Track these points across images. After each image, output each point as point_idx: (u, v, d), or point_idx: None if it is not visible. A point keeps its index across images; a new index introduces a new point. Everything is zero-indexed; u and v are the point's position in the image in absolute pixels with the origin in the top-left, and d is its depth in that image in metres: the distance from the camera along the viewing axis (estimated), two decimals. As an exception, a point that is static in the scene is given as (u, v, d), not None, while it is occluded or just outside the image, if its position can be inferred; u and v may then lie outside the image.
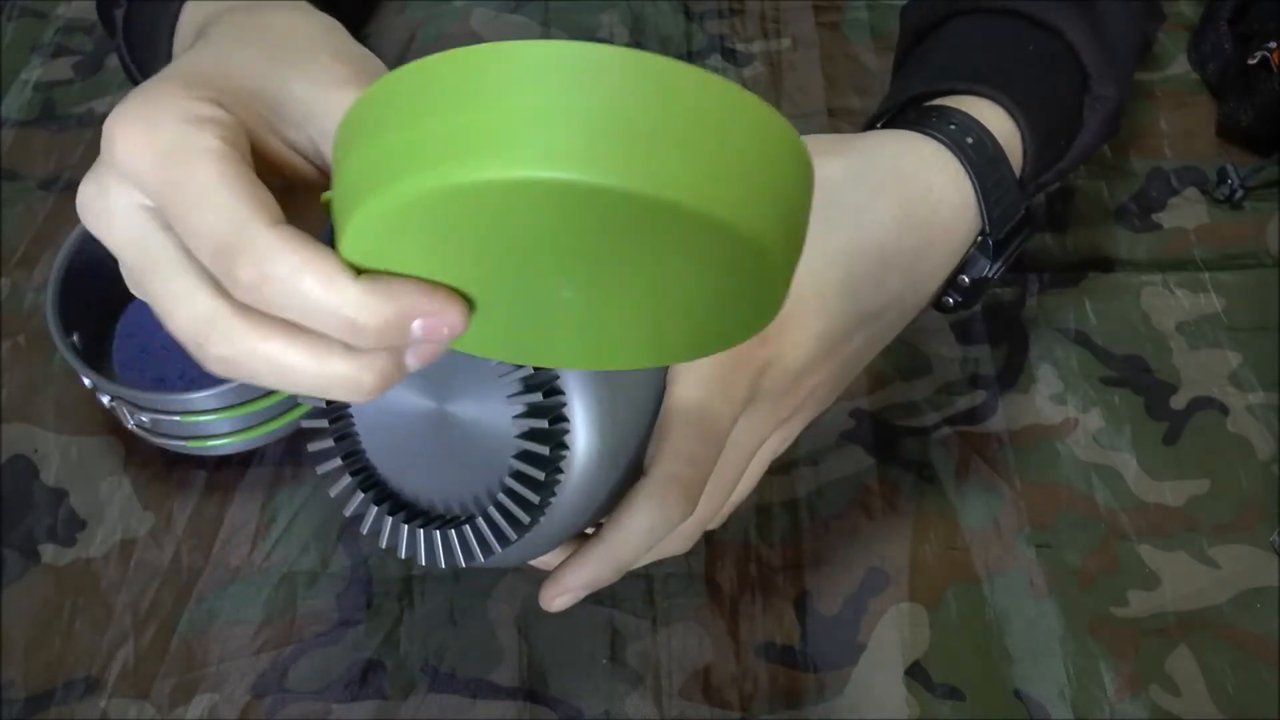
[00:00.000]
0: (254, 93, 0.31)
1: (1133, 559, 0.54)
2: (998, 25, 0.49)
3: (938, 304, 0.47)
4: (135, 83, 0.50)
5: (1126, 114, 0.55)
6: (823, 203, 0.41)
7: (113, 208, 0.30)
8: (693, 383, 0.37)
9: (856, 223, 0.41)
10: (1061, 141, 0.49)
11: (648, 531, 0.37)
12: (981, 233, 0.45)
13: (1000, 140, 0.45)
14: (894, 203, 0.42)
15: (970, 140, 0.44)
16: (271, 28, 0.35)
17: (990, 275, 0.45)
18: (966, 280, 0.46)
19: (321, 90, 0.32)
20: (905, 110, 0.47)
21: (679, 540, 0.40)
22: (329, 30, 0.36)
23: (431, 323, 0.27)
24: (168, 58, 0.44)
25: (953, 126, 0.44)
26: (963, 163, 0.43)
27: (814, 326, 0.40)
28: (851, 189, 0.42)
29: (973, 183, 0.43)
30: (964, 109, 0.45)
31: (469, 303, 0.28)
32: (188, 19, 0.42)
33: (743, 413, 0.39)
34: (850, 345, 0.42)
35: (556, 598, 0.39)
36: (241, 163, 0.29)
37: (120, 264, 0.31)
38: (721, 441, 0.38)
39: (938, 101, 0.46)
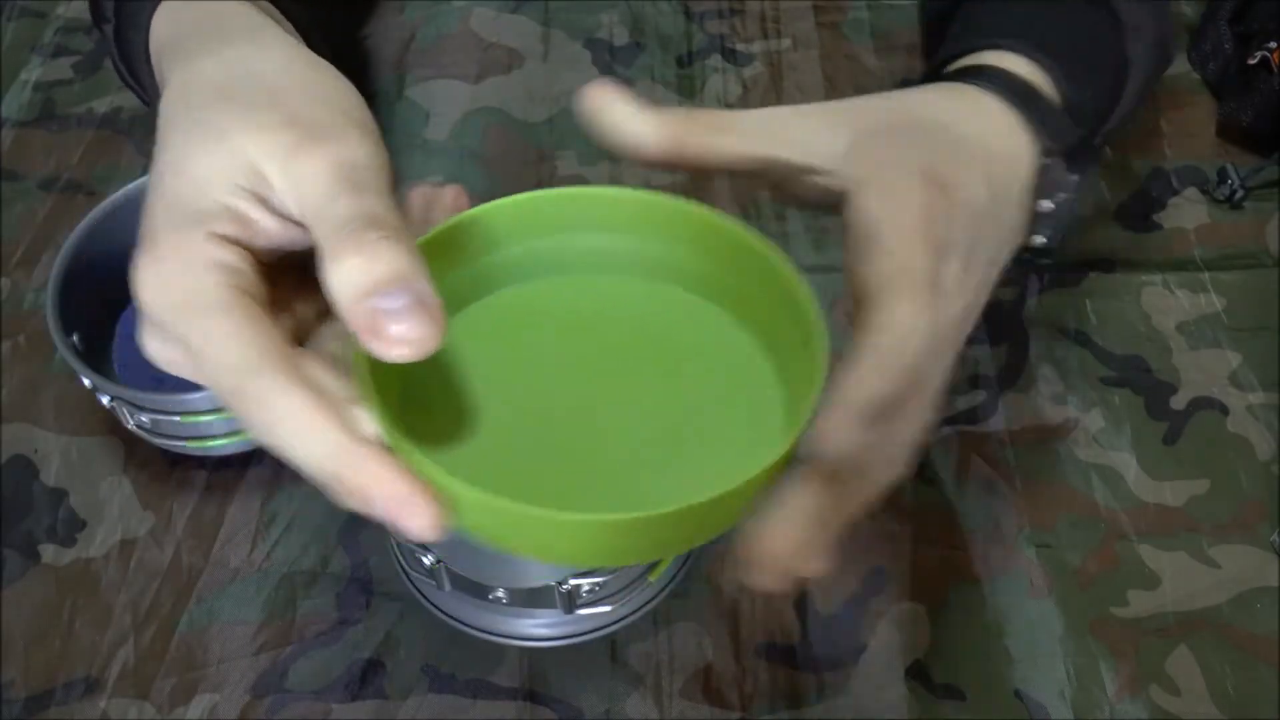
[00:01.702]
0: (226, 186, 0.33)
1: (1133, 559, 0.54)
2: None
3: (1028, 248, 0.45)
4: (121, 75, 0.51)
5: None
6: (954, 131, 0.41)
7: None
8: (899, 198, 0.36)
9: (981, 146, 0.41)
10: (1108, 76, 0.50)
11: (916, 322, 0.34)
12: (1046, 152, 0.44)
13: (1024, 79, 0.45)
14: (985, 129, 0.43)
15: (995, 78, 0.44)
16: (224, 89, 0.36)
17: (1075, 194, 0.44)
18: (1050, 205, 0.44)
19: (273, 163, 0.33)
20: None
21: (902, 453, 0.36)
22: (283, 72, 0.37)
23: (397, 511, 0.30)
24: (147, 59, 0.45)
25: (977, 74, 0.45)
26: (997, 94, 0.44)
27: (975, 186, 0.39)
28: (958, 118, 0.42)
29: (1012, 104, 0.43)
30: (983, 63, 0.46)
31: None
32: (155, 35, 0.44)
33: (941, 261, 0.37)
34: (993, 228, 0.41)
35: (836, 432, 0.32)
36: (247, 308, 0.32)
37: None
38: (941, 247, 0.36)
39: (956, 65, 0.47)
